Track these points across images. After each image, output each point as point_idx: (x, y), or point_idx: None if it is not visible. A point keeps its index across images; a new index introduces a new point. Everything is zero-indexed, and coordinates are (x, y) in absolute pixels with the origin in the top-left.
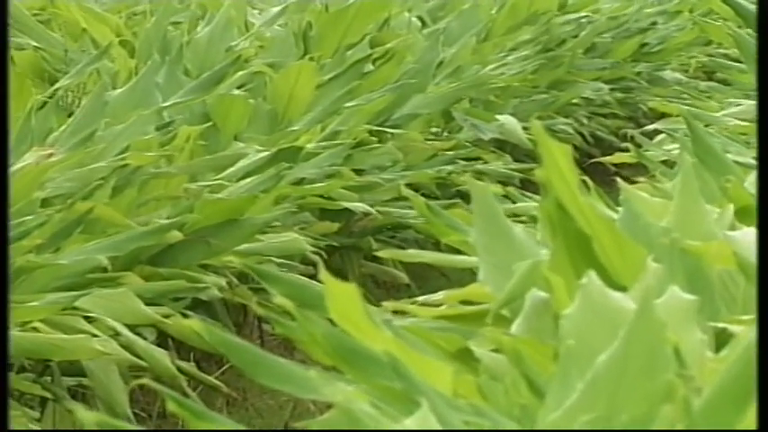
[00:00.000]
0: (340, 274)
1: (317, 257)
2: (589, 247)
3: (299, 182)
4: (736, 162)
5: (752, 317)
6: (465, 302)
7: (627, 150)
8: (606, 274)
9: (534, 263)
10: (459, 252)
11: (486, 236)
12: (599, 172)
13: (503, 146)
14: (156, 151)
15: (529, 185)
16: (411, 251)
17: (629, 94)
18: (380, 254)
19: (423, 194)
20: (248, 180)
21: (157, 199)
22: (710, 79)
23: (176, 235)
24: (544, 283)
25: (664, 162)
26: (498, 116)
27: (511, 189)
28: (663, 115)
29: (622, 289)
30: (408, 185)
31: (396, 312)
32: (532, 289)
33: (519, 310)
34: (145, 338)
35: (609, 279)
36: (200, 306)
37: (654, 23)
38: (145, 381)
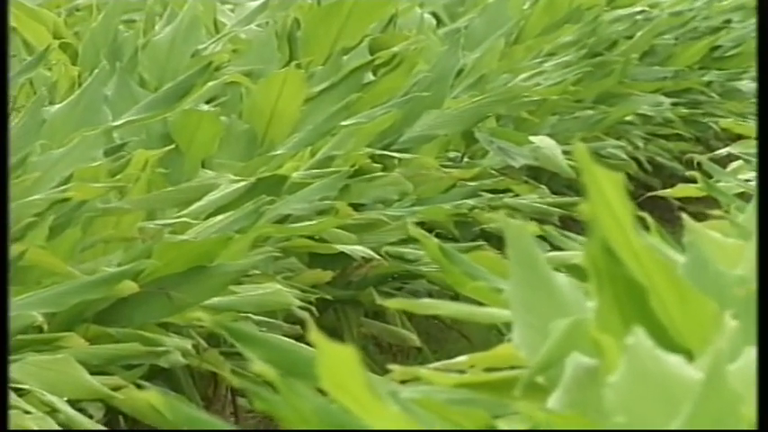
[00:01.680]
0: (334, 334)
1: (305, 314)
2: (645, 300)
3: (284, 219)
4: None
5: None
6: (491, 369)
7: (693, 181)
8: (666, 333)
9: (577, 320)
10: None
11: (524, 289)
12: (659, 207)
13: (538, 175)
14: (104, 181)
15: (570, 224)
16: (424, 301)
17: (696, 110)
18: (387, 303)
19: (437, 235)
20: (220, 217)
21: (106, 241)
22: None
23: (130, 286)
24: (590, 345)
25: (739, 195)
26: (533, 137)
27: (548, 228)
28: (738, 137)
29: (686, 352)
30: (420, 224)
31: (404, 382)
32: (575, 352)
33: (558, 378)
34: (90, 416)
35: (669, 340)
36: (159, 375)
37: (727, 22)
38: None
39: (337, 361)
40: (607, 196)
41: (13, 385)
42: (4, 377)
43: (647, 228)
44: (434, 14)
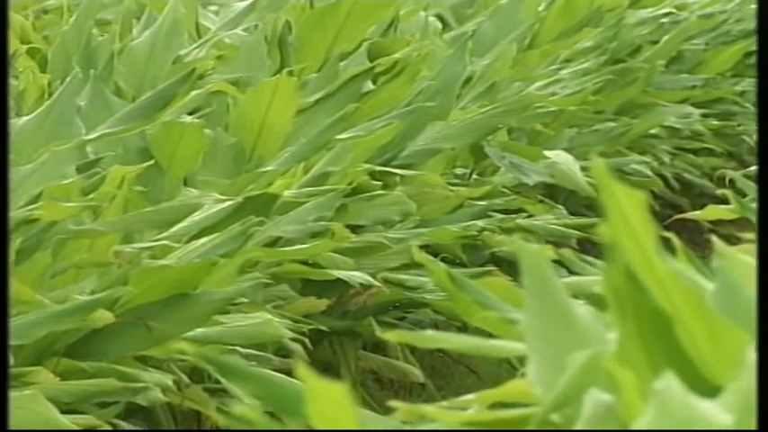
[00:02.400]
0: (330, 368)
1: (297, 346)
2: (670, 331)
3: (274, 242)
4: None
5: None
6: (502, 406)
7: (724, 200)
8: (693, 367)
9: (596, 353)
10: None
11: (540, 319)
12: (687, 228)
13: (554, 193)
14: (77, 200)
15: (589, 247)
16: (428, 333)
17: (728, 122)
18: (387, 335)
19: (443, 260)
20: (204, 240)
21: (79, 266)
22: None
23: (105, 316)
24: (610, 380)
25: None
26: (548, 152)
27: (565, 252)
28: None
29: (715, 389)
30: (424, 247)
31: (407, 420)
32: (593, 388)
33: (575, 416)
34: None
35: (697, 375)
36: (137, 413)
37: None
38: None
39: (328, 399)
40: (629, 217)
41: None
42: (4, 378)
43: (673, 251)
44: (440, 17)
